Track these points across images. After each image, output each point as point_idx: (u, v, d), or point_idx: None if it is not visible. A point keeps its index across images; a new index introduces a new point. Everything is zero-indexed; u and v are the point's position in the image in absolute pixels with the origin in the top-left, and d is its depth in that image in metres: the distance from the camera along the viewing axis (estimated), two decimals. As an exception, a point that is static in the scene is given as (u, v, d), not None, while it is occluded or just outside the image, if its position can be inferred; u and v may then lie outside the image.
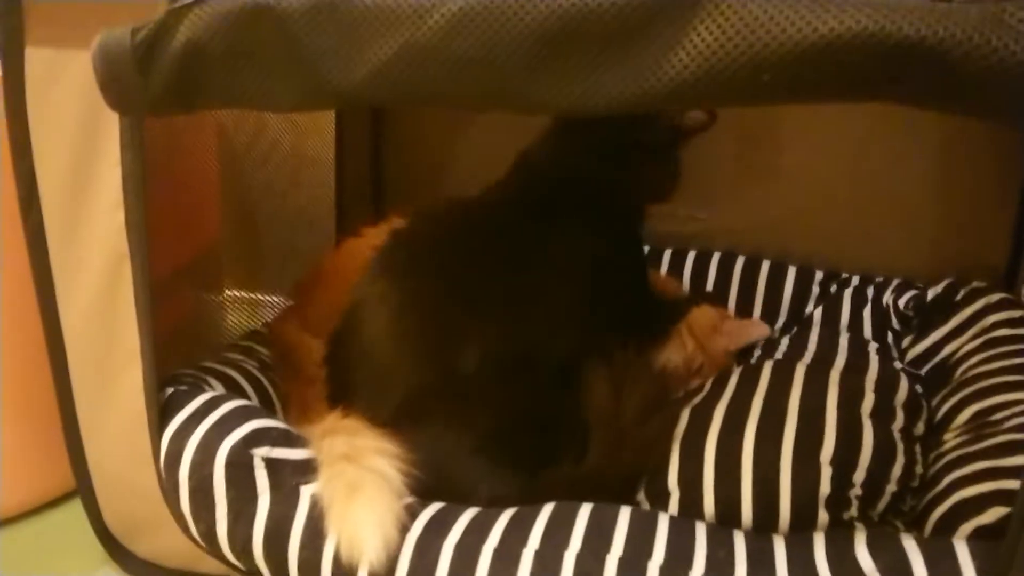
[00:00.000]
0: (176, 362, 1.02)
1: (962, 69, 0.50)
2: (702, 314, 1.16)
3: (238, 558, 0.85)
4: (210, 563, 0.90)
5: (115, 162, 0.81)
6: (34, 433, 1.07)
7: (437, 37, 0.63)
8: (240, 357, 1.08)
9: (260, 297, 1.57)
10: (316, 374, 1.08)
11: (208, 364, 1.03)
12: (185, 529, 0.88)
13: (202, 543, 0.87)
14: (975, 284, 1.13)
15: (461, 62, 0.63)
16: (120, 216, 0.82)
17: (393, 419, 0.86)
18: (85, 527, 0.99)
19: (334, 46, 0.66)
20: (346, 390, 0.94)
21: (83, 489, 0.97)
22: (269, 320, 1.33)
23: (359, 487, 0.79)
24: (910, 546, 0.71)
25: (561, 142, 1.09)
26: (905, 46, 0.51)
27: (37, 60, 0.82)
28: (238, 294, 1.57)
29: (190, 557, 0.92)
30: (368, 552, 0.75)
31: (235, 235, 1.52)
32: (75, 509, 1.00)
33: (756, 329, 1.16)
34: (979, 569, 0.67)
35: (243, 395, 1.01)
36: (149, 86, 0.70)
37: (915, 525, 0.85)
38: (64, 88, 0.81)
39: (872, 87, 0.54)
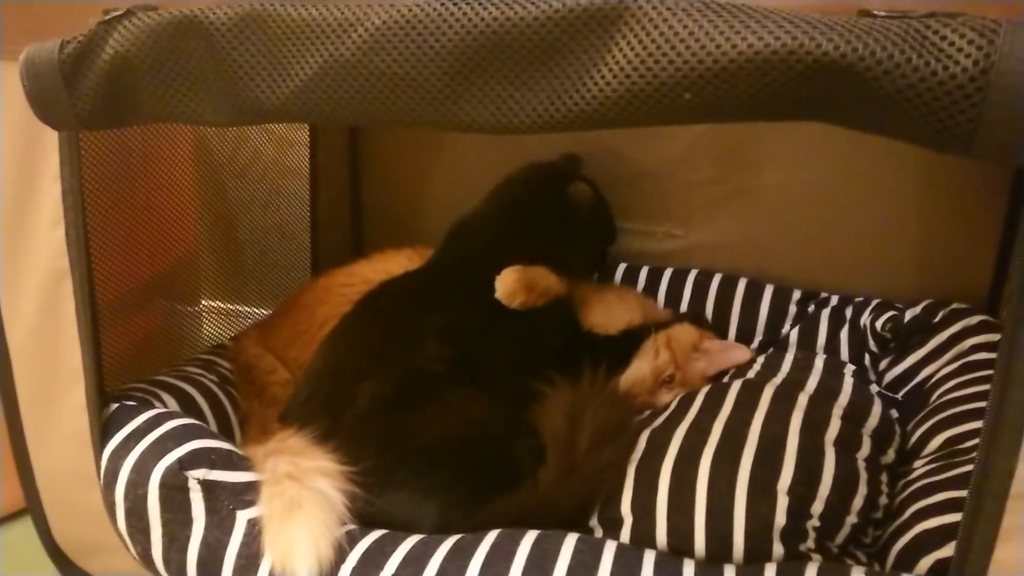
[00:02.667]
0: (146, 372, 1.01)
1: (883, 88, 0.47)
2: (683, 331, 1.13)
3: (176, 582, 0.83)
4: (162, 584, 0.89)
5: (55, 177, 0.80)
6: None
7: (360, 53, 0.61)
8: (199, 371, 1.07)
9: (241, 308, 1.57)
10: (277, 395, 1.07)
11: (164, 378, 1.01)
12: (127, 549, 0.86)
13: (142, 564, 0.85)
14: (955, 305, 1.09)
15: (383, 78, 0.61)
16: (60, 232, 0.81)
17: (339, 440, 0.84)
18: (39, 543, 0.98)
19: (260, 62, 0.65)
20: (297, 411, 0.92)
21: (33, 507, 0.96)
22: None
23: (298, 505, 0.78)
24: (859, 580, 0.68)
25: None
26: (825, 63, 0.48)
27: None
28: (219, 305, 1.56)
29: (142, 577, 0.91)
30: (300, 571, 0.74)
31: (215, 246, 1.51)
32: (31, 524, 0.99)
33: (737, 353, 1.12)
34: (924, 607, 0.64)
35: (197, 411, 0.99)
36: (77, 101, 0.69)
37: (877, 557, 0.82)
38: (6, 101, 0.80)
39: (795, 106, 0.51)
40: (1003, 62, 0.45)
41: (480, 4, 0.57)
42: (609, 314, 1.17)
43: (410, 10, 0.59)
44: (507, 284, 1.02)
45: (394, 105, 0.61)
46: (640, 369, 1.08)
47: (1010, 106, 0.46)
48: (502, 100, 0.59)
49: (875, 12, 0.50)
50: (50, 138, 0.79)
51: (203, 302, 1.46)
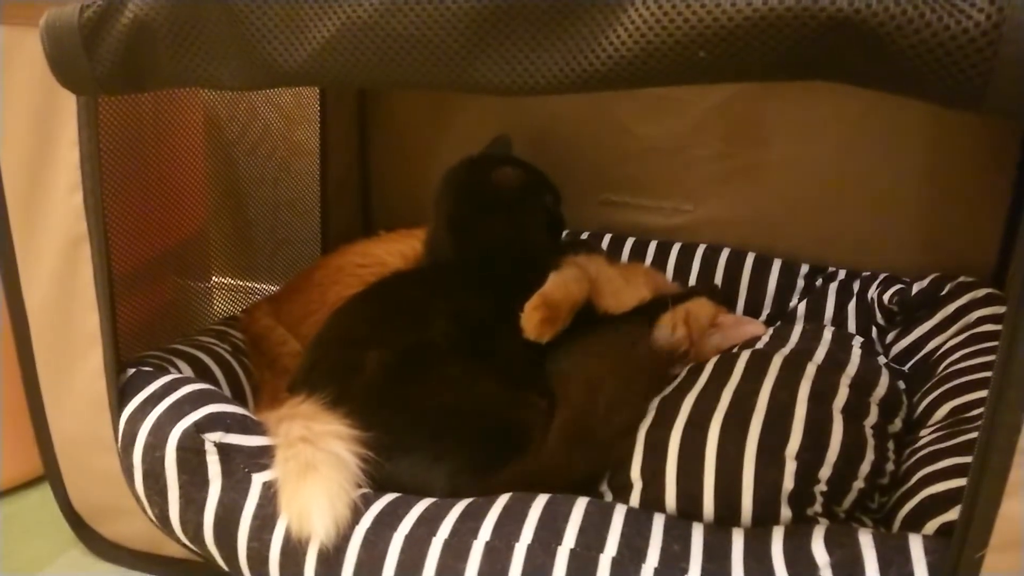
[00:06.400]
0: (155, 346, 1.02)
1: (896, 43, 0.48)
2: (700, 307, 1.13)
3: (192, 543, 0.84)
4: (175, 546, 0.90)
5: (73, 142, 0.81)
6: (6, 416, 1.08)
7: (376, 15, 0.62)
8: (213, 340, 1.08)
9: (251, 285, 1.58)
10: (289, 365, 1.09)
11: (178, 346, 1.02)
12: (144, 512, 0.87)
13: (159, 526, 0.87)
14: (961, 279, 1.10)
15: (400, 41, 0.61)
16: (78, 197, 0.82)
17: (348, 407, 0.85)
18: (55, 508, 0.99)
19: (278, 25, 0.65)
20: (304, 377, 0.94)
21: (50, 472, 0.97)
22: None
23: (313, 467, 0.78)
24: (866, 541, 0.69)
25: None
26: (839, 19, 0.49)
27: (4, 37, 0.82)
28: (229, 281, 1.57)
29: (156, 540, 0.92)
30: (318, 530, 0.75)
31: (226, 222, 1.52)
32: (47, 490, 1.00)
33: (751, 328, 1.13)
34: (931, 565, 0.65)
35: (212, 379, 1.01)
36: (96, 65, 0.70)
37: (884, 522, 0.83)
38: (25, 66, 0.81)
39: (808, 64, 0.52)
40: (1015, 16, 0.46)
41: (496, -35, 0.58)
42: (619, 295, 1.17)
43: (426, -28, 0.60)
44: (532, 327, 0.99)
45: (410, 67, 0.62)
46: (657, 343, 1.08)
47: (1021, 61, 0.47)
48: (517, 61, 0.60)
49: (889, -32, 0.50)
50: (68, 104, 0.80)
51: (214, 278, 1.47)
